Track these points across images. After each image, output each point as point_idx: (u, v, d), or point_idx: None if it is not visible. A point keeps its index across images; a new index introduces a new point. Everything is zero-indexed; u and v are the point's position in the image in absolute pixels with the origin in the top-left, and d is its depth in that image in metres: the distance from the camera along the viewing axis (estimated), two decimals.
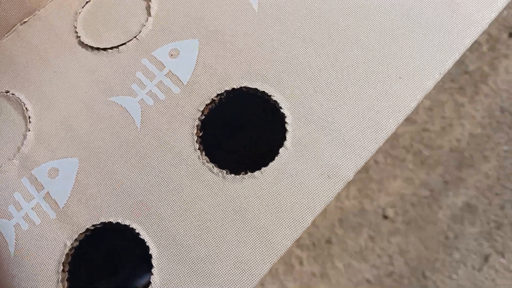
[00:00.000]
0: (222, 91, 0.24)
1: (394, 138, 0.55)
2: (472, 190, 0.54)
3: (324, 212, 0.52)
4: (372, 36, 0.24)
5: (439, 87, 0.56)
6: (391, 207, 0.53)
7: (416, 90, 0.23)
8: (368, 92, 0.23)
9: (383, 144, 0.22)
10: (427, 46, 0.23)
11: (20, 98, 0.28)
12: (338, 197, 0.53)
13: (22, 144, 0.27)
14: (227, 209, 0.22)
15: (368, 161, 0.22)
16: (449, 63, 0.23)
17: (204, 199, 0.23)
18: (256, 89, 0.24)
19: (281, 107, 0.23)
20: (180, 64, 0.26)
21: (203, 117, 0.24)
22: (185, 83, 0.25)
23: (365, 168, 0.52)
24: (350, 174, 0.22)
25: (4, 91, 0.29)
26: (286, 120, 0.23)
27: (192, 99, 0.25)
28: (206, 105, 0.25)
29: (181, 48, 0.26)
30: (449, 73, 0.51)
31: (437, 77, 0.23)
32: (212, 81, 0.25)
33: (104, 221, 0.24)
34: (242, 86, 0.24)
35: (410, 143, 0.55)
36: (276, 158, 0.23)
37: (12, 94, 0.28)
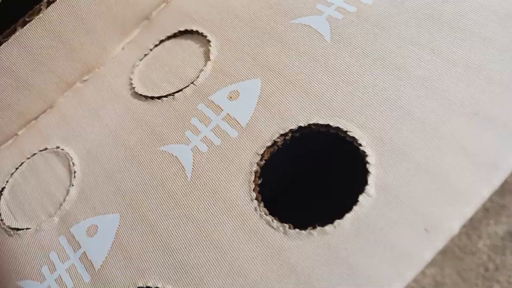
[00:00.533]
0: (287, 131, 0.20)
1: None
2: None
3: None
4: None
5: None
6: None
7: None
8: (475, 124, 0.17)
9: None
10: None
11: (69, 153, 0.27)
12: None
13: (64, 200, 0.25)
14: (289, 273, 0.16)
15: None
16: None
17: (262, 259, 0.17)
18: (328, 125, 0.19)
19: (360, 144, 0.18)
20: (240, 105, 0.22)
21: (263, 162, 0.20)
22: (243, 126, 0.22)
23: None
24: (455, 226, 0.15)
25: (55, 147, 0.28)
26: (368, 159, 0.17)
27: (251, 142, 0.21)
28: (267, 148, 0.20)
29: (241, 89, 0.23)
30: None
31: None
32: (274, 120, 0.21)
33: (142, 286, 0.19)
34: (311, 123, 0.20)
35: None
36: (354, 208, 0.17)
37: (62, 149, 0.27)
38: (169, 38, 0.29)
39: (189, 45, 0.28)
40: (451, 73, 0.19)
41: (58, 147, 0.28)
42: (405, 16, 0.22)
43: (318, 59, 0.22)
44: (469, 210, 0.15)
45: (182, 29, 0.29)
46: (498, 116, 0.17)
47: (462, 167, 0.16)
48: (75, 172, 0.26)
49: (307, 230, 0.17)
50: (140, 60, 0.29)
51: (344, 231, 0.16)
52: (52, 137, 0.28)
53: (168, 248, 0.20)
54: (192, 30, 0.28)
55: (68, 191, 0.25)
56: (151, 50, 0.29)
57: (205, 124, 0.23)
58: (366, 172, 0.17)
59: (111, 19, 0.29)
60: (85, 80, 0.31)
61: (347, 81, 0.20)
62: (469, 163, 0.16)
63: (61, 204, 0.25)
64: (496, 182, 0.15)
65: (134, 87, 0.28)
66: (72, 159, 0.26)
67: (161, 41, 0.29)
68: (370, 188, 0.17)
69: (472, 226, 0.43)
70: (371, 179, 0.17)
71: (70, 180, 0.26)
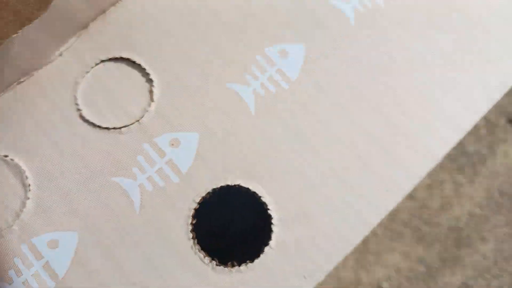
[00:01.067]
0: (218, 186, 0.26)
1: (393, 213, 0.56)
2: (470, 271, 0.54)
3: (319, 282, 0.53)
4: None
5: (439, 166, 0.58)
6: (386, 280, 0.54)
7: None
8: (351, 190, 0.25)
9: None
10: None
11: (20, 164, 0.29)
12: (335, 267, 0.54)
13: (22, 211, 0.28)
14: None
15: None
16: None
17: None
18: (248, 188, 0.26)
19: (268, 208, 0.25)
20: (181, 154, 0.27)
21: (198, 206, 0.26)
22: (184, 173, 0.27)
23: (364, 240, 0.53)
24: (321, 276, 0.23)
25: (2, 155, 0.29)
26: (272, 220, 0.25)
27: (189, 190, 0.27)
28: (202, 197, 0.26)
29: (182, 138, 0.28)
30: (448, 153, 0.53)
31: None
32: (209, 176, 0.27)
33: None
34: (237, 184, 0.26)
35: (409, 219, 0.56)
36: (261, 255, 0.24)
37: (11, 159, 0.29)
38: (110, 60, 0.31)
39: (133, 77, 0.31)
40: (351, 158, 0.26)
41: (6, 156, 0.29)
42: (324, 100, 0.28)
43: (247, 128, 0.27)
44: (330, 265, 0.23)
45: (124, 56, 0.31)
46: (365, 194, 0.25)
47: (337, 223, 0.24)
48: (29, 185, 0.29)
49: (228, 268, 0.24)
50: (82, 77, 0.31)
51: (253, 272, 0.24)
52: None
53: (123, 272, 0.26)
54: (135, 61, 0.31)
55: (24, 203, 0.29)
56: (92, 67, 0.31)
57: (150, 165, 0.28)
58: (270, 229, 0.25)
59: (46, 19, 0.28)
60: (22, 82, 0.31)
61: (266, 152, 0.27)
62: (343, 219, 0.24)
63: (18, 215, 0.28)
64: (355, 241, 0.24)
65: (80, 110, 0.30)
66: (25, 172, 0.29)
67: (102, 61, 0.31)
68: (272, 242, 0.24)
69: (429, 274, 0.53)
70: (273, 235, 0.24)
71: (25, 193, 0.29)
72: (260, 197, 0.25)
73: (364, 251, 0.53)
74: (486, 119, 0.57)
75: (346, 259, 0.53)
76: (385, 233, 0.54)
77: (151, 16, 0.32)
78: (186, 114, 0.28)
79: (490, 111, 0.51)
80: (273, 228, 0.25)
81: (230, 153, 0.27)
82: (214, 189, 0.26)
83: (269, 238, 0.24)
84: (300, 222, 0.25)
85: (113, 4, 0.32)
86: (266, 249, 0.24)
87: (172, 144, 0.28)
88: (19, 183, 0.29)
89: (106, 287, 0.26)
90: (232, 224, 0.25)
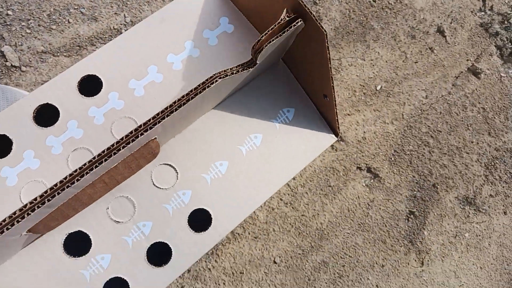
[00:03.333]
0: None
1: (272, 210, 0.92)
2: (327, 254, 0.93)
3: None
4: None
5: (311, 191, 0.95)
6: (279, 256, 0.90)
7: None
8: None
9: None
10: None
11: None
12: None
13: None
14: None
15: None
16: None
17: None
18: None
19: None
20: None
21: None
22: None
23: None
24: None
25: None
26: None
27: None
28: None
29: None
30: (318, 183, 0.90)
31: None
32: None
33: None
34: None
35: (294, 221, 0.92)
36: None
37: None
38: None
39: None
40: None
41: None
42: None
43: None
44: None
45: None
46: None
47: None
48: None
49: None
50: None
51: None
52: None
53: None
54: None
55: None
56: None
57: None
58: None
59: None
60: None
61: None
62: None
63: None
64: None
65: None
66: None
67: None
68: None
69: (304, 254, 0.89)
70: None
71: None
72: None
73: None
74: (344, 166, 0.94)
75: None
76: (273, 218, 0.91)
77: None
78: None
79: (346, 160, 0.89)
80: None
81: None
82: None
83: None
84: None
85: None
86: None
87: None
88: None
89: None
90: None
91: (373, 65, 1.01)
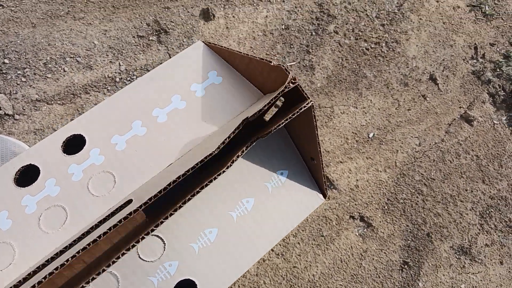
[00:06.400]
0: None
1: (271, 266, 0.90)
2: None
3: None
4: None
5: (303, 241, 0.94)
6: None
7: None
8: None
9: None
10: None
11: None
12: None
13: None
14: None
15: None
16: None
17: None
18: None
19: None
20: None
21: None
22: None
23: None
24: None
25: None
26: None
27: None
28: None
29: None
30: (310, 233, 0.89)
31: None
32: None
33: None
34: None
35: (285, 273, 0.91)
36: None
37: None
38: None
39: None
40: None
41: None
42: None
43: None
44: None
45: None
46: None
47: None
48: None
49: None
50: None
51: None
52: None
53: None
54: None
55: None
56: None
57: None
58: None
59: None
60: None
61: None
62: None
63: None
64: None
65: None
66: None
67: None
68: None
69: None
70: None
71: None
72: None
73: None
74: (337, 215, 0.94)
75: None
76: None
77: None
78: None
79: (338, 209, 0.88)
80: None
81: None
82: None
83: None
84: None
85: None
86: None
87: None
88: None
89: None
90: None
91: (366, 113, 1.01)
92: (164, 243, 0.55)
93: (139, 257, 0.53)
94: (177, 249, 0.55)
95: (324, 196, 0.63)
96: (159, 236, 0.55)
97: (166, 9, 0.99)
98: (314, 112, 0.53)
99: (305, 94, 0.51)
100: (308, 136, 0.57)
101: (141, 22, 0.96)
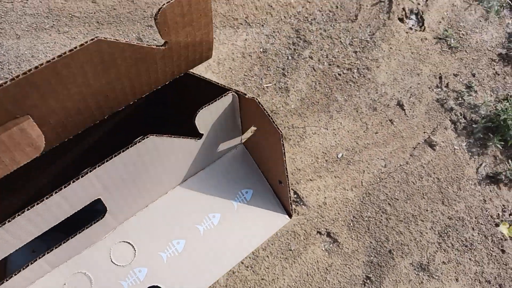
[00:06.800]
0: None
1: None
2: None
3: None
4: None
5: (272, 254, 0.98)
6: None
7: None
8: None
9: None
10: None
11: None
12: None
13: None
14: None
15: None
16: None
17: None
18: None
19: None
20: None
21: None
22: None
23: None
24: None
25: None
26: None
27: None
28: None
29: None
30: (279, 247, 0.94)
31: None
32: None
33: None
34: None
35: (254, 285, 0.95)
36: None
37: None
38: None
39: None
40: None
41: None
42: None
43: None
44: None
45: None
46: None
47: None
48: None
49: None
50: None
51: None
52: None
53: None
54: None
55: None
56: None
57: None
58: None
59: None
60: None
61: None
62: None
63: None
64: None
65: None
66: None
67: None
68: None
69: None
70: None
71: None
72: None
73: None
74: (305, 230, 1.00)
75: None
76: None
77: None
78: None
79: (306, 225, 0.93)
80: None
81: None
82: None
83: None
84: None
85: None
86: None
87: None
88: None
89: None
90: None
91: (336, 134, 1.07)
92: (135, 250, 0.58)
93: (112, 261, 0.57)
94: (146, 257, 0.59)
95: (290, 216, 0.68)
96: (129, 243, 0.59)
97: (149, 27, 1.03)
98: (283, 141, 0.57)
99: (275, 125, 0.56)
100: (276, 161, 0.62)
101: (125, 39, 1.00)
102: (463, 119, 1.18)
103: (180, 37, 0.51)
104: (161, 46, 0.50)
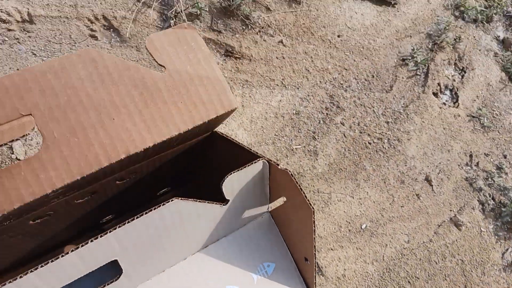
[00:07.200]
0: None
1: None
2: None
3: None
4: None
5: None
6: None
7: None
8: None
9: None
10: None
11: None
12: None
13: None
14: None
15: None
16: None
17: None
18: None
19: None
20: None
21: None
22: None
23: None
24: None
25: None
26: None
27: None
28: None
29: None
30: None
31: None
32: None
33: None
34: None
35: None
36: None
37: None
38: None
39: None
40: None
41: None
42: None
43: None
44: None
45: None
46: None
47: None
48: None
49: None
50: None
51: None
52: None
53: None
54: None
55: None
56: None
57: None
58: None
59: None
60: None
61: None
62: None
63: None
64: None
65: None
66: None
67: None
68: None
69: None
70: None
71: None
72: None
73: None
74: None
75: None
76: None
77: None
78: None
79: None
80: None
81: None
82: None
83: None
84: None
85: None
86: None
87: None
88: None
89: None
90: None
91: (361, 204, 1.06)
92: None
93: None
94: None
95: None
96: None
97: None
98: (314, 218, 0.57)
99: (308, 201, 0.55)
100: (304, 237, 0.61)
101: None
102: (492, 200, 1.15)
103: None
104: None
